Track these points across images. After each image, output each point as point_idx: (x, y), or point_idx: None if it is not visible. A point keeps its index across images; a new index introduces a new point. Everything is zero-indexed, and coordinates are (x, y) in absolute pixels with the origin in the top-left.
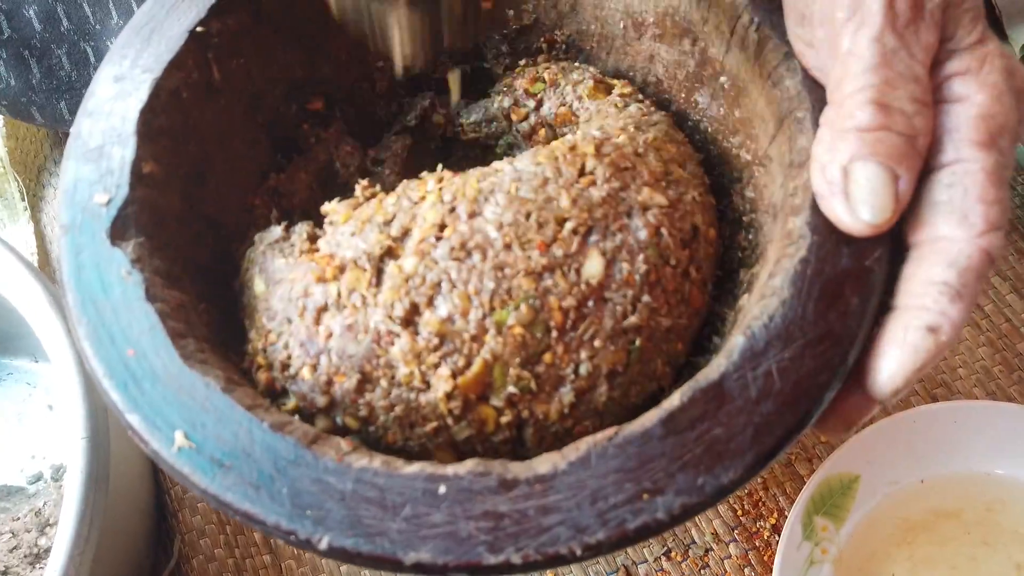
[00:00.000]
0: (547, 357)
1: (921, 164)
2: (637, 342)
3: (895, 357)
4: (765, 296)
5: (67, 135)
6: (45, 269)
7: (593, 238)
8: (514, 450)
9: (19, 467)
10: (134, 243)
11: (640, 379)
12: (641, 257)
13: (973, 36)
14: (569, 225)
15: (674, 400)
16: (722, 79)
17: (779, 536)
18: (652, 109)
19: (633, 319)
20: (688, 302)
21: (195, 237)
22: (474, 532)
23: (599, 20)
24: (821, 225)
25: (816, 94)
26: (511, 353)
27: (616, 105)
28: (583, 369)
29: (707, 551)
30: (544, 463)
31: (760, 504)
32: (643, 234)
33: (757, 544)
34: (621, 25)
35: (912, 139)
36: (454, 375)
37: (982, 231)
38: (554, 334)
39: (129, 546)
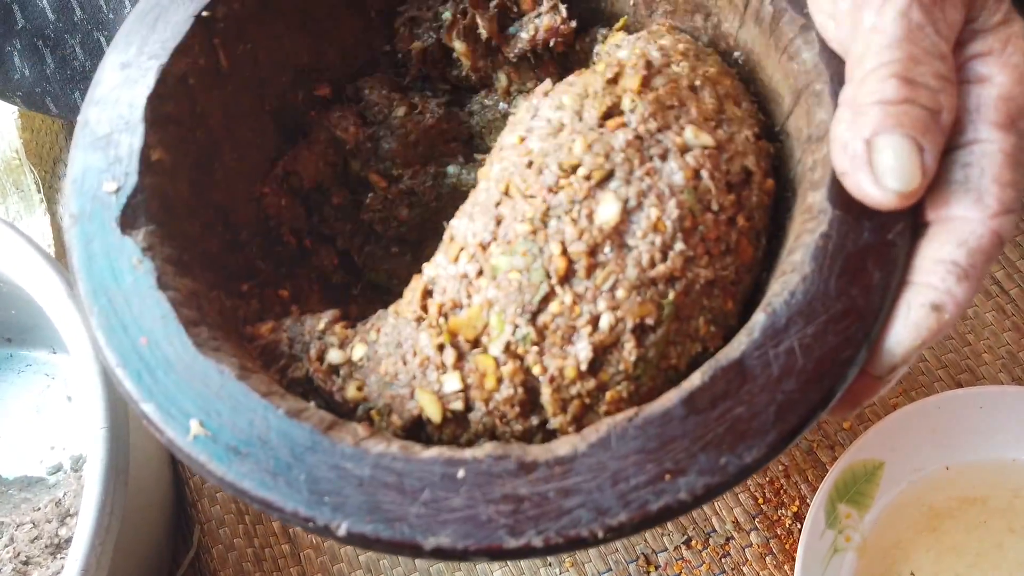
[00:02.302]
0: (553, 306)
1: (944, 140)
2: (670, 295)
3: (896, 333)
4: (785, 272)
5: None
6: (61, 260)
7: (613, 184)
8: (527, 415)
9: (39, 458)
10: (144, 231)
11: (679, 338)
12: (673, 201)
13: (997, 17)
14: (582, 171)
15: (695, 380)
16: (736, 54)
17: (801, 524)
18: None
19: (662, 268)
20: (736, 253)
21: (204, 226)
22: (494, 516)
23: None
24: (842, 199)
25: (834, 67)
26: (507, 298)
27: (667, 29)
28: (604, 322)
29: (728, 539)
30: (564, 445)
31: (781, 492)
32: (678, 177)
33: (779, 532)
34: (631, 2)
35: (936, 114)
36: (445, 315)
37: (995, 212)
38: (554, 280)
39: (149, 536)
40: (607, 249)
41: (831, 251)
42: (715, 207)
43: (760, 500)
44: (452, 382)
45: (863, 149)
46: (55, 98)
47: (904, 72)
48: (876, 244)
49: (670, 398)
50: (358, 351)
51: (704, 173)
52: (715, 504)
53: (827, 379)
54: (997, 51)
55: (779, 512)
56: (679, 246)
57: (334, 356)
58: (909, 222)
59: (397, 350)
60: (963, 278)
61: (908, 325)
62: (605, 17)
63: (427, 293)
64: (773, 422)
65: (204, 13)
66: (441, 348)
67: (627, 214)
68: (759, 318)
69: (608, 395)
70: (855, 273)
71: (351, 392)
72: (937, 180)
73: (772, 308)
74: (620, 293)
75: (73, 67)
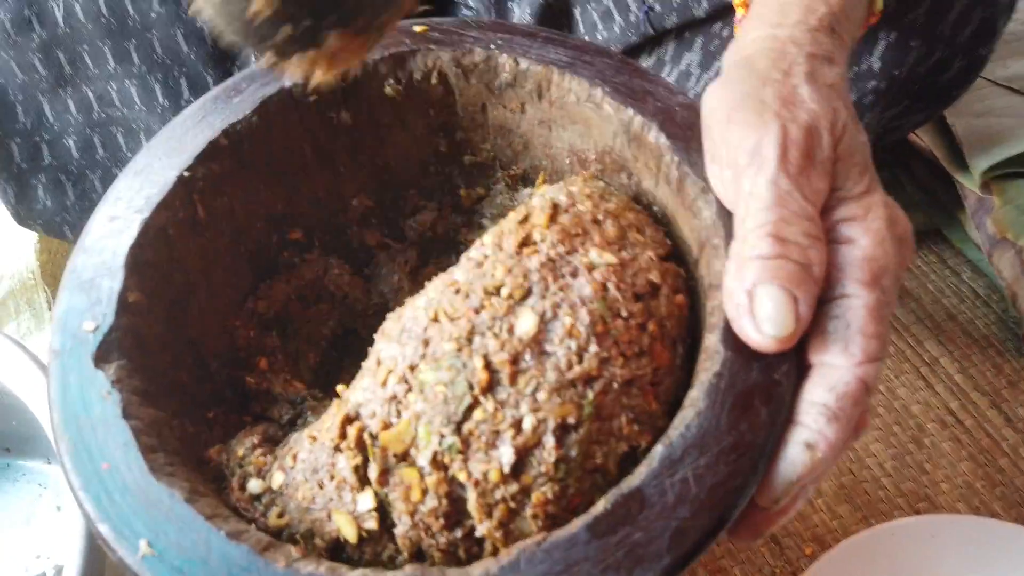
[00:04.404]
0: (477, 414)
1: (817, 289)
2: (590, 395)
3: (778, 468)
4: (685, 407)
5: None
6: None
7: (530, 300)
8: (451, 527)
9: (24, 567)
10: (115, 365)
11: (602, 437)
12: (584, 310)
13: (860, 187)
14: (505, 291)
15: (599, 506)
16: (655, 208)
17: None
18: (611, 188)
19: (579, 369)
20: (650, 355)
21: (175, 358)
22: None
23: (549, 157)
24: (734, 342)
25: (730, 223)
26: (433, 410)
27: (584, 179)
28: (526, 424)
29: None
30: (478, 568)
31: None
32: (587, 290)
33: None
34: (567, 161)
35: (807, 267)
36: (374, 436)
37: (860, 361)
38: (476, 391)
39: None
40: (528, 356)
41: (723, 389)
42: (624, 314)
43: None
44: (365, 501)
45: (746, 299)
46: (72, 226)
47: (776, 231)
48: (763, 383)
49: (576, 524)
50: (277, 479)
51: (610, 285)
52: None
53: (718, 507)
54: (860, 217)
55: None
56: (593, 348)
57: (253, 486)
58: (794, 363)
59: (314, 476)
60: (833, 419)
61: (785, 461)
62: (547, 172)
63: (348, 420)
64: (668, 547)
65: (186, 173)
66: (358, 469)
67: (544, 324)
68: (658, 449)
69: (534, 497)
70: (744, 410)
71: (272, 520)
72: (815, 327)
73: (669, 440)
74: (541, 395)
75: (92, 199)
